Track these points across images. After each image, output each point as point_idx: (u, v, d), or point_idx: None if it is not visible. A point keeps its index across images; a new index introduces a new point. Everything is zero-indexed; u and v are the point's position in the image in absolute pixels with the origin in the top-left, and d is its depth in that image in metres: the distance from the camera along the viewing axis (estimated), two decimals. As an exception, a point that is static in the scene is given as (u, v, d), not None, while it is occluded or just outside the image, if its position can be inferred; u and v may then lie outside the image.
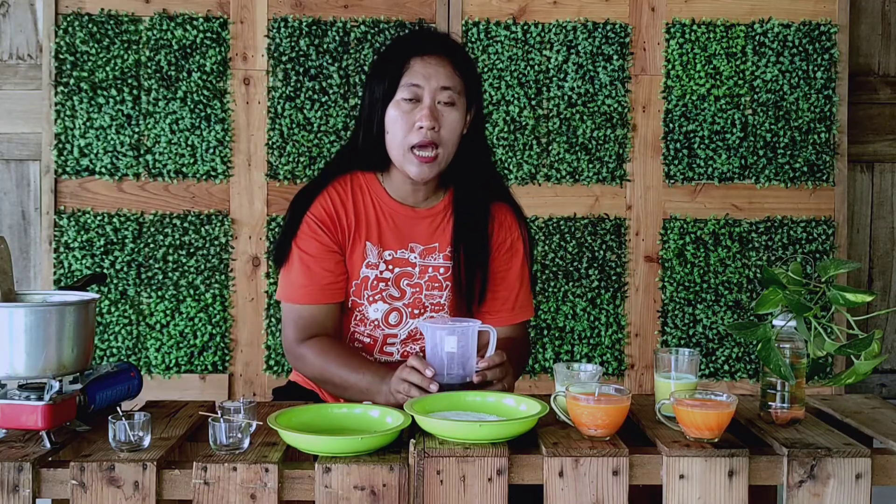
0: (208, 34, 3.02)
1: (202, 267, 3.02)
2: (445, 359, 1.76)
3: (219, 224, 3.03)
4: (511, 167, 3.06)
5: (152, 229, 3.01)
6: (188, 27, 3.01)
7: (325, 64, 3.03)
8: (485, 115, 2.03)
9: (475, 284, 1.99)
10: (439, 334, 1.76)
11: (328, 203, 1.97)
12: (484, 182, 2.03)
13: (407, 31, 2.99)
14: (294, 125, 3.03)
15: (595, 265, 3.08)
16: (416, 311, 1.99)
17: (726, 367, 3.10)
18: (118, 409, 1.55)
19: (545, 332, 3.09)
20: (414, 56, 1.92)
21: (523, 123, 3.06)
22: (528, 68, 3.06)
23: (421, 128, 1.89)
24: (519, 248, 2.04)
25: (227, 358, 3.04)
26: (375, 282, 1.98)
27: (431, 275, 1.99)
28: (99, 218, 3.00)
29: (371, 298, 1.98)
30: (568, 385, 1.62)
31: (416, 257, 1.99)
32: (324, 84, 3.03)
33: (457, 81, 1.93)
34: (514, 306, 2.04)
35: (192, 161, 3.02)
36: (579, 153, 3.08)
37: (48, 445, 1.54)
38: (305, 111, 3.03)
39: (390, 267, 1.98)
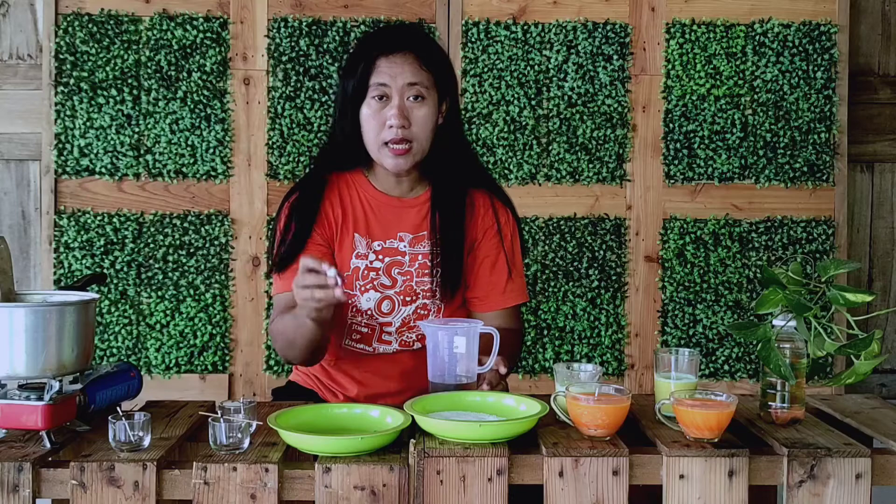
0: (208, 34, 3.01)
1: (202, 267, 3.02)
2: (447, 359, 1.76)
3: (219, 224, 3.03)
4: (511, 167, 3.06)
5: (152, 229, 3.01)
6: (188, 27, 3.01)
7: (325, 64, 3.03)
8: (459, 106, 2.09)
9: (456, 271, 2.01)
10: (440, 335, 1.77)
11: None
12: (461, 171, 2.06)
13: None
14: (294, 125, 3.03)
15: (595, 265, 3.08)
16: (408, 299, 2.01)
17: (726, 367, 3.10)
18: (118, 409, 1.55)
19: (545, 332, 3.09)
20: (380, 55, 1.95)
21: (523, 123, 3.06)
22: (528, 68, 3.06)
23: (391, 126, 1.93)
24: (507, 233, 2.07)
25: (227, 358, 3.04)
26: (366, 272, 2.00)
27: (421, 262, 2.01)
28: (99, 218, 3.00)
29: (362, 288, 2.00)
30: (568, 385, 1.62)
31: (405, 246, 2.02)
32: (324, 84, 3.03)
33: (424, 76, 1.95)
34: (505, 289, 2.06)
35: (192, 161, 3.02)
36: (579, 153, 3.07)
37: (48, 445, 1.54)
38: (305, 111, 3.03)
39: (380, 257, 2.01)
